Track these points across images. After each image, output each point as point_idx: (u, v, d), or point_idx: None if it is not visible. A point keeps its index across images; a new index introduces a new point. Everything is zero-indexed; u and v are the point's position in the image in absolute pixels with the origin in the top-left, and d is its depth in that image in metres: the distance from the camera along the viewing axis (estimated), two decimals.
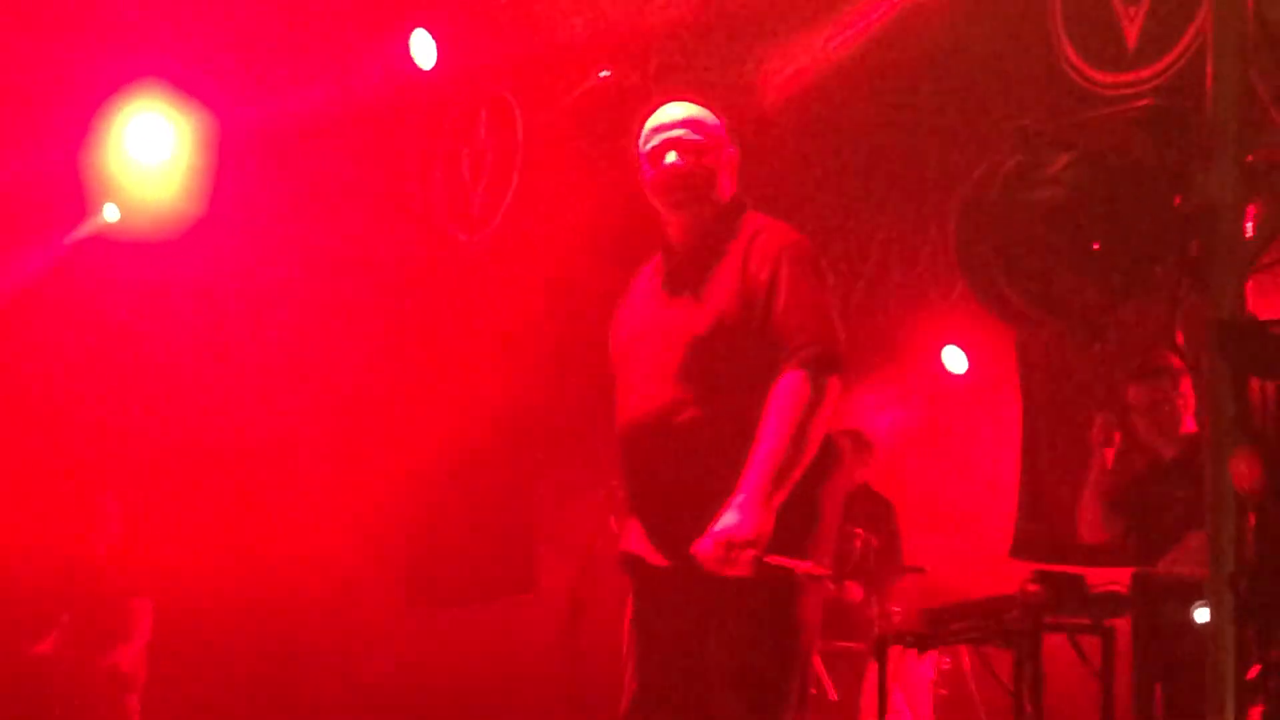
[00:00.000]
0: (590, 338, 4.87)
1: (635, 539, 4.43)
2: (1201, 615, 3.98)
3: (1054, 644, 5.08)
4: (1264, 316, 3.49)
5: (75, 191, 9.21)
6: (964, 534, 7.76)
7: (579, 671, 7.83)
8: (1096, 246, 3.51)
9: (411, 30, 8.59)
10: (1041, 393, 7.22)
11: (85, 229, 9.41)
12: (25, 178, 8.95)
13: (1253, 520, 3.40)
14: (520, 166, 8.52)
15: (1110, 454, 6.31)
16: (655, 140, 4.49)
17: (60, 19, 8.69)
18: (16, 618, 8.32)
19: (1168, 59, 5.98)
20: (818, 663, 6.73)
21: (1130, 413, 6.26)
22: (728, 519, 4.09)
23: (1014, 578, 5.14)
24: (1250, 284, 3.48)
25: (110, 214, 9.42)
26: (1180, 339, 3.66)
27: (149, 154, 9.14)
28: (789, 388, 4.19)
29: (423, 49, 8.61)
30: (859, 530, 7.29)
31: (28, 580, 8.43)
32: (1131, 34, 6.19)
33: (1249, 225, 3.49)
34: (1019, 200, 3.61)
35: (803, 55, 7.27)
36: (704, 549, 4.11)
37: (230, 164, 9.02)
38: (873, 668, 6.03)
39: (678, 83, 6.76)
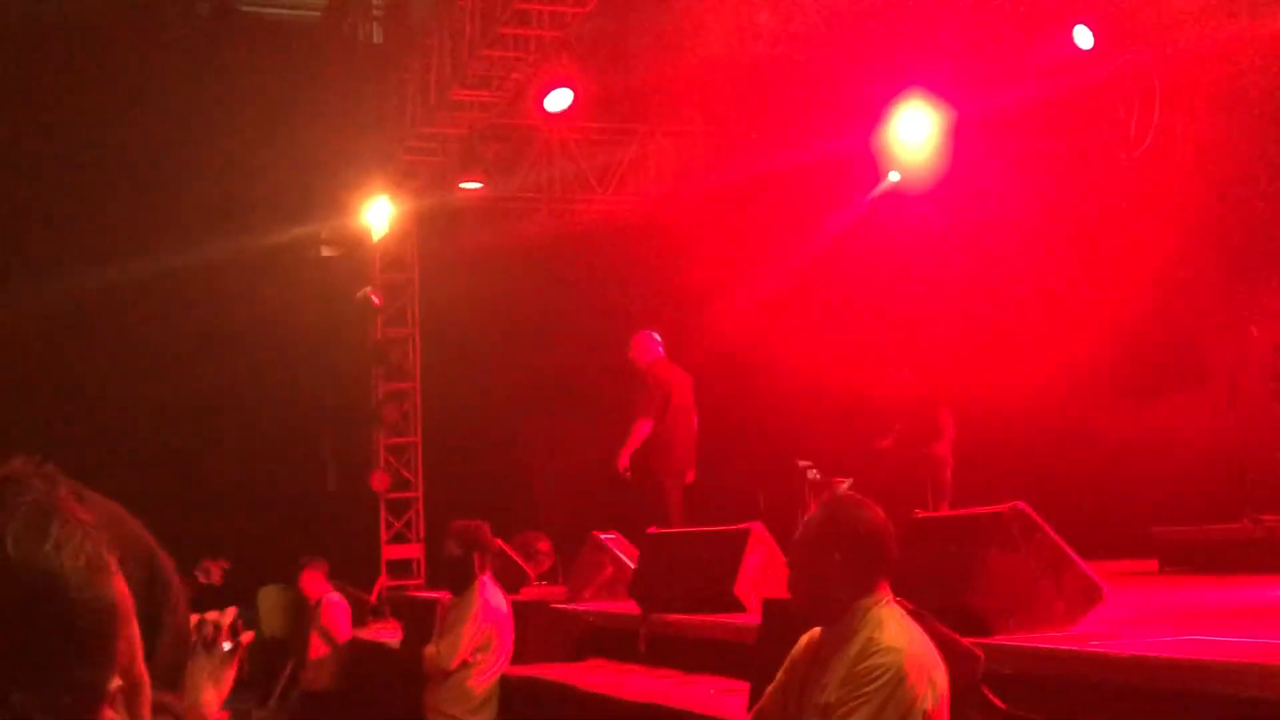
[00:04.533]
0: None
1: None
2: None
3: None
4: None
5: (871, 162, 14.33)
6: None
7: (1235, 442, 11.59)
8: None
9: (1074, 25, 12.95)
10: None
11: (880, 189, 14.53)
12: (841, 154, 14.17)
13: None
14: (1158, 113, 12.72)
15: None
16: None
17: (858, 43, 13.76)
18: (869, 425, 13.24)
19: None
20: None
21: None
22: None
23: None
24: None
25: (893, 177, 14.46)
26: None
27: (915, 135, 14.02)
28: None
29: (1083, 38, 12.94)
30: None
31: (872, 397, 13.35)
32: None
33: None
34: None
35: None
36: None
37: (965, 140, 13.72)
38: None
39: None
